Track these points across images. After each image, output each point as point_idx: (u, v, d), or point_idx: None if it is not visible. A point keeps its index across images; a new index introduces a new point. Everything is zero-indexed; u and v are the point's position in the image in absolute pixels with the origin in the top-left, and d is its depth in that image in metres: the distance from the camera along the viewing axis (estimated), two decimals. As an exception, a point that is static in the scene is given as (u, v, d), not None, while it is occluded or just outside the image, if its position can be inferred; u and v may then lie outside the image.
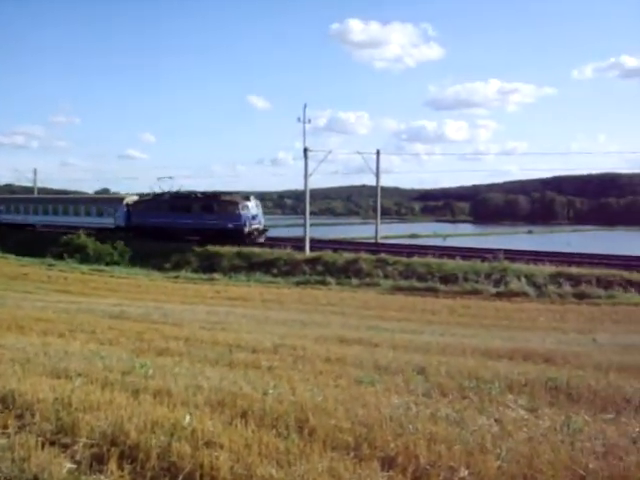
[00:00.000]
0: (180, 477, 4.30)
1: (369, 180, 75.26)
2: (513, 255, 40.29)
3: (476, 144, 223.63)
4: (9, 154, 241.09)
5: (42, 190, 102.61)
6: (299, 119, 53.20)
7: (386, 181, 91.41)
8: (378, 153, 63.76)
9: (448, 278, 33.27)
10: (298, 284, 36.40)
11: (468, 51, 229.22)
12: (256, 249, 49.32)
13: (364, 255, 45.09)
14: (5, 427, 5.35)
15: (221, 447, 4.67)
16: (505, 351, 10.96)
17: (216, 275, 39.73)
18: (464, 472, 4.40)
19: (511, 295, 30.17)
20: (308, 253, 48.54)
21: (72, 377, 7.16)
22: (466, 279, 32.58)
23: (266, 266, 42.11)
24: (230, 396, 6.14)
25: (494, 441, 4.97)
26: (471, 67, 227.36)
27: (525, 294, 30.03)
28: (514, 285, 31.00)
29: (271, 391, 6.45)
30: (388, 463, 4.56)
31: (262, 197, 65.84)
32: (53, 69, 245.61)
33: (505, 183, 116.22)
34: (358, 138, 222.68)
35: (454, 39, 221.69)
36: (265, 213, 60.77)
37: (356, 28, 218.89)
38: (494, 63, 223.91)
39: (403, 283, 33.84)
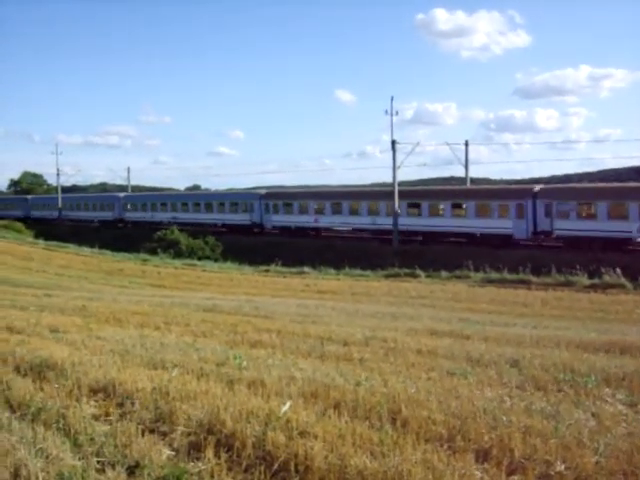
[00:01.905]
0: (275, 466, 4.38)
1: (458, 172, 74.26)
2: (607, 245, 39.13)
3: (567, 132, 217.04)
4: (103, 154, 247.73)
5: (135, 188, 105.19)
6: (386, 112, 53.24)
7: (475, 172, 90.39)
8: (467, 144, 63.03)
9: (540, 269, 32.53)
10: (387, 277, 36.27)
11: (557, 37, 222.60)
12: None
13: (454, 247, 44.63)
14: (107, 414, 5.58)
15: (315, 437, 4.73)
16: (601, 344, 10.66)
17: (306, 269, 39.94)
18: (560, 466, 4.33)
19: (606, 287, 29.26)
20: (397, 246, 48.40)
21: (169, 368, 7.37)
22: (559, 270, 31.77)
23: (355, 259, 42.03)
24: (323, 387, 6.20)
25: (591, 436, 4.87)
26: (560, 53, 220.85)
27: (621, 286, 29.08)
28: (609, 277, 30.08)
29: (363, 383, 6.49)
30: (482, 455, 4.53)
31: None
32: (142, 70, 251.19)
33: (598, 172, 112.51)
34: (445, 129, 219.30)
35: (542, 26, 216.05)
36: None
37: (441, 18, 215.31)
38: (584, 48, 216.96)
39: (494, 275, 33.29)
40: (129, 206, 79.50)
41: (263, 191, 65.73)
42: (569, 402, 6.01)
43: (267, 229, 62.50)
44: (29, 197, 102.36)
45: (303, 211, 59.50)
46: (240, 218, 64.59)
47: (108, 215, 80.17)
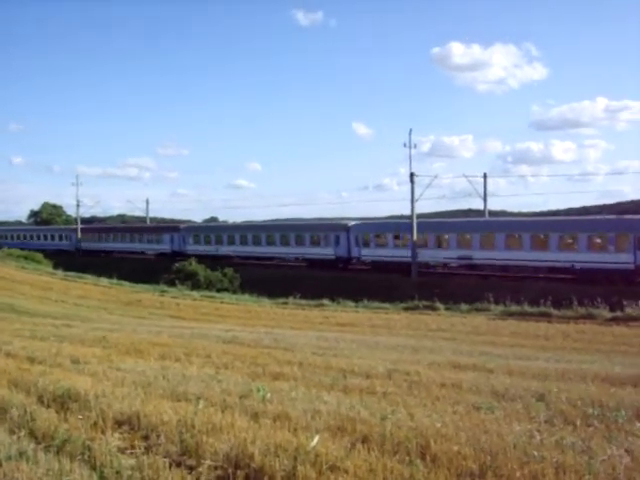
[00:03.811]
0: (306, 501, 4.31)
1: (475, 204, 74.34)
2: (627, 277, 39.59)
3: (585, 164, 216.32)
4: (122, 186, 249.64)
5: (154, 220, 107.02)
6: (405, 144, 53.51)
7: (493, 204, 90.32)
8: (485, 176, 63.26)
9: (561, 302, 32.29)
10: (407, 309, 36.11)
11: (573, 70, 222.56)
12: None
13: (473, 279, 44.45)
14: (133, 447, 5.52)
15: (346, 472, 4.66)
16: (627, 377, 10.50)
17: (325, 301, 39.85)
18: (597, 503, 4.24)
19: (628, 319, 28.96)
20: (415, 278, 48.26)
21: (192, 400, 7.31)
22: (580, 303, 31.49)
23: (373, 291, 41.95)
24: (349, 421, 6.12)
25: (627, 472, 4.78)
26: (577, 86, 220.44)
27: (644, 318, 28.78)
28: (631, 309, 29.76)
29: (389, 416, 6.40)
30: (516, 492, 4.44)
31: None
32: (159, 102, 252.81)
33: (617, 204, 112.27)
34: (463, 162, 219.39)
35: (558, 58, 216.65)
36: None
37: (457, 51, 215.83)
38: (601, 81, 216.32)
39: (514, 308, 33.06)
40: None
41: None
42: (600, 437, 5.89)
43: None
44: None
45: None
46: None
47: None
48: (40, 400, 7.43)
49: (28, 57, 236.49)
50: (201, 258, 64.22)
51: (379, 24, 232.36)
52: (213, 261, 63.38)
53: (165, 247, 79.36)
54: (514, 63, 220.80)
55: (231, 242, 71.93)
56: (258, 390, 7.87)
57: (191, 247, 74.73)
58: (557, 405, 7.50)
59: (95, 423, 6.14)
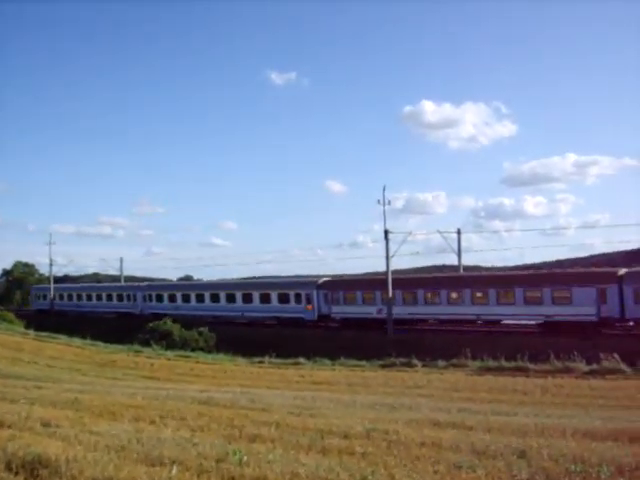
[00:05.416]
0: None
1: (450, 260, 74.95)
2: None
3: (556, 219, 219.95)
4: (96, 244, 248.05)
5: (128, 279, 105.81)
6: (379, 201, 53.85)
7: (467, 260, 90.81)
8: (459, 232, 63.74)
9: (538, 356, 32.28)
10: (383, 367, 35.84)
11: (542, 126, 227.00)
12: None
13: (451, 336, 44.42)
14: (106, 517, 5.32)
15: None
16: (607, 432, 10.44)
17: (301, 359, 39.51)
18: None
19: (605, 372, 29.00)
20: (392, 335, 48.12)
21: (167, 464, 7.11)
22: (557, 357, 31.49)
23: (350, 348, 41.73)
24: (329, 484, 5.97)
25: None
26: (546, 142, 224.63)
27: (620, 371, 28.82)
28: (608, 362, 29.81)
29: (369, 478, 6.27)
30: None
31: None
32: (134, 161, 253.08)
33: (589, 257, 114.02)
34: (436, 218, 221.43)
35: (527, 115, 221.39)
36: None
37: (429, 109, 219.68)
38: (569, 137, 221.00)
39: (491, 363, 32.93)
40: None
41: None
42: (584, 495, 5.80)
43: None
44: None
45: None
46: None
47: None
48: (8, 467, 7.20)
49: (7, 118, 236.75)
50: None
51: (351, 83, 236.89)
52: None
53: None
54: (484, 121, 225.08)
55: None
56: (235, 453, 7.70)
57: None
58: (538, 462, 7.41)
59: (66, 490, 5.94)
